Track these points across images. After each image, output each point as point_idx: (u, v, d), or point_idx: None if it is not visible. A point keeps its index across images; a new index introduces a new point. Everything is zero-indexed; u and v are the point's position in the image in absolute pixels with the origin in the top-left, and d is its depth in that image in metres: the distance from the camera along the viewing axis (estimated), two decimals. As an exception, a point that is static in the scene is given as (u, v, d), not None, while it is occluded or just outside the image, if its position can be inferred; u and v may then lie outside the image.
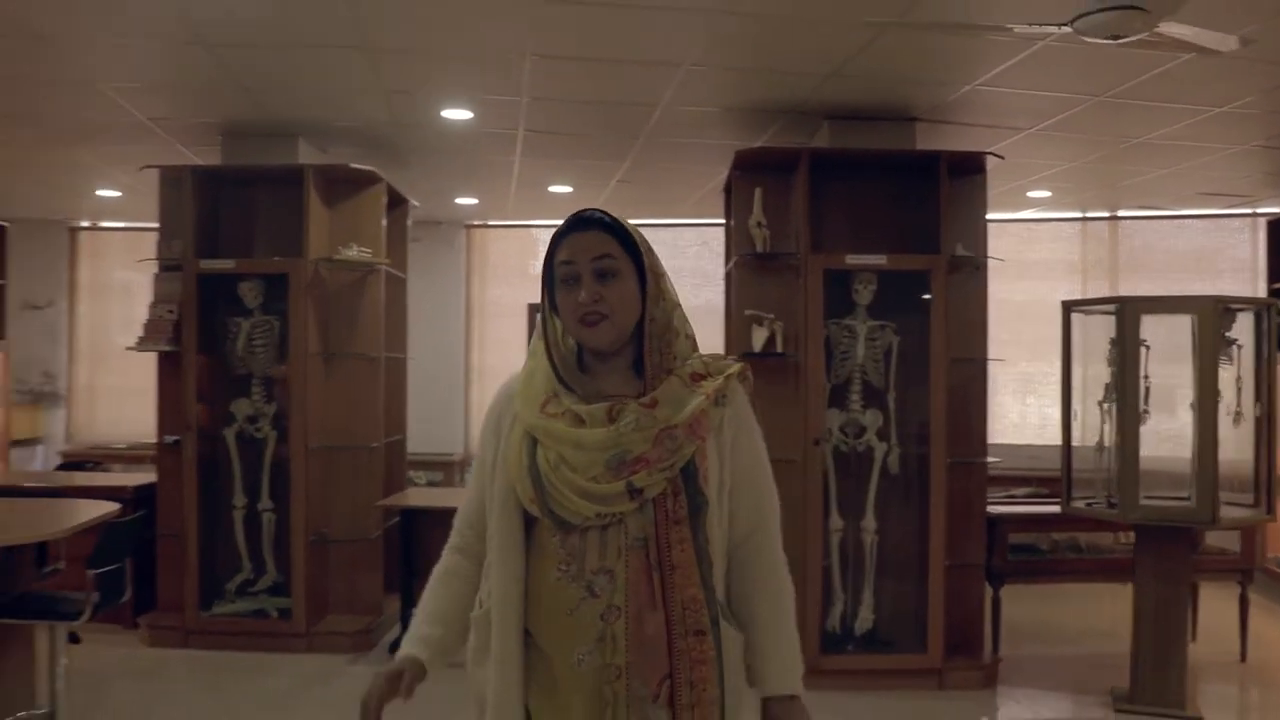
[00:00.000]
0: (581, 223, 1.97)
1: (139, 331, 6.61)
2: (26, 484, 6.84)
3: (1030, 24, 3.82)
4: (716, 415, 1.96)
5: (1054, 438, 6.00)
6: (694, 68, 5.13)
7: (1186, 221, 9.16)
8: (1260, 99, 5.46)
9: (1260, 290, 8.41)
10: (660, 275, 1.99)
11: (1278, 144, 6.44)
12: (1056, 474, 5.62)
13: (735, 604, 2.02)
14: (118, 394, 10.43)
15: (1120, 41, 3.53)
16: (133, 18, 4.58)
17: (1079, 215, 9.40)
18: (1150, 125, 6.14)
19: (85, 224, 10.52)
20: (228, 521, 6.40)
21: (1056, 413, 5.81)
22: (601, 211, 2.00)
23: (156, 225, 6.68)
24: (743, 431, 2.01)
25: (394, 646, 3.72)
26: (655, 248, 2.02)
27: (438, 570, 2.12)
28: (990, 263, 5.99)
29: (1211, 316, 4.79)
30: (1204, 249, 9.15)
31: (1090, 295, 9.10)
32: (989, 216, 6.15)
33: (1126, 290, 9.21)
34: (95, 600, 4.20)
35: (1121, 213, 9.33)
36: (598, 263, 1.93)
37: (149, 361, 6.77)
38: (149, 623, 6.29)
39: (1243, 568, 5.96)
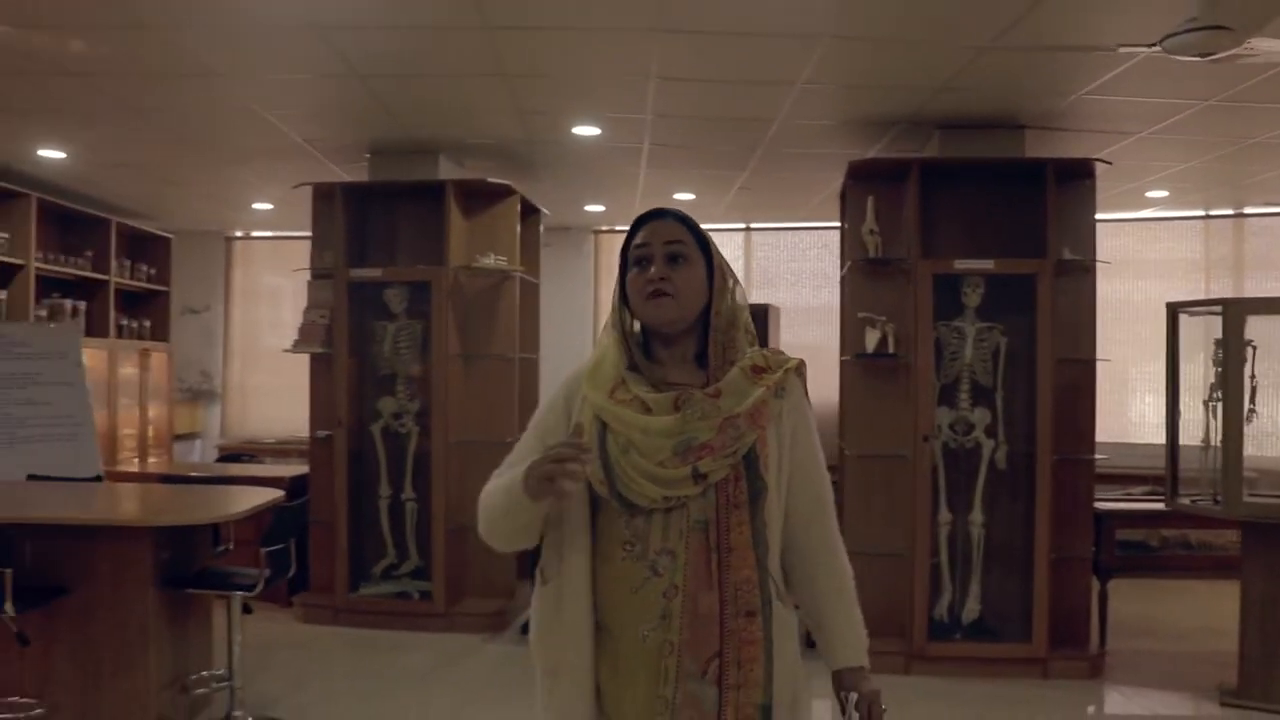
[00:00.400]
0: (659, 213, 2.12)
1: (286, 333, 7.16)
2: (194, 474, 7.50)
3: (1120, 46, 4.03)
4: (776, 406, 2.05)
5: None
6: (808, 86, 5.43)
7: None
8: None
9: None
10: (728, 275, 2.12)
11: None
12: (1171, 472, 5.76)
13: (799, 587, 2.12)
14: (267, 392, 11.14)
15: (1212, 59, 3.73)
16: (292, 54, 5.09)
17: (1202, 213, 9.35)
18: (1268, 126, 6.19)
19: (239, 234, 11.26)
20: (374, 510, 6.93)
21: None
22: (676, 209, 2.15)
23: (302, 234, 7.24)
24: (800, 423, 2.10)
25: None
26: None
27: (489, 488, 2.15)
28: (1108, 263, 6.12)
29: (1310, 317, 4.91)
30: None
31: (1214, 294, 9.07)
32: (1103, 217, 6.29)
33: (1251, 289, 9.16)
34: (267, 575, 4.72)
35: (1247, 210, 9.25)
36: (669, 246, 2.06)
37: (295, 361, 7.34)
38: (302, 601, 6.86)
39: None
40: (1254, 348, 5.16)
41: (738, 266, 10.36)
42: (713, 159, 7.29)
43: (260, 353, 11.20)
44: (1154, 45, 3.80)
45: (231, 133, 6.69)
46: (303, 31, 4.70)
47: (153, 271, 10.05)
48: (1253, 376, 5.19)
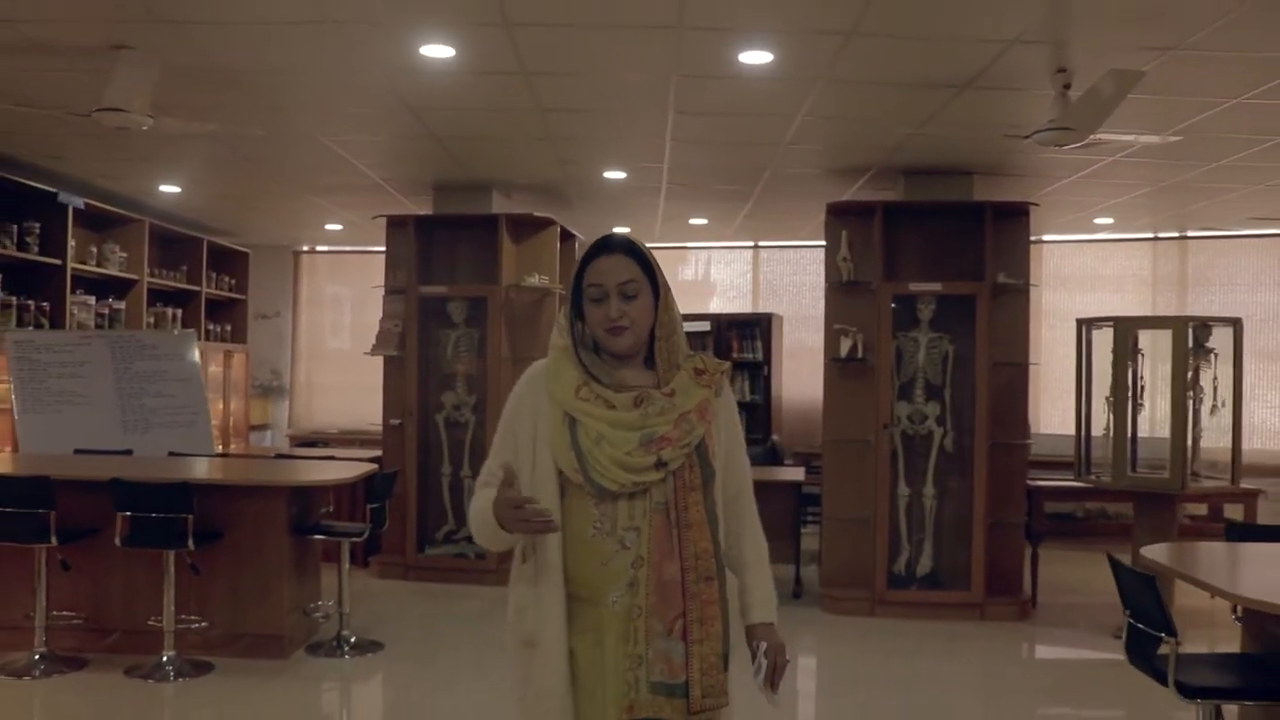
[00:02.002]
0: (607, 248, 2.32)
1: (346, 336, 8.60)
2: (297, 453, 8.98)
3: (1004, 135, 5.43)
4: (715, 404, 2.35)
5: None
6: (791, 146, 6.85)
7: (1247, 240, 10.34)
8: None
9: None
10: (668, 289, 2.35)
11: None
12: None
13: (727, 552, 2.36)
14: (330, 388, 12.61)
15: (1066, 148, 5.11)
16: (381, 121, 6.52)
17: (1150, 235, 10.65)
18: (1178, 172, 7.51)
19: (305, 248, 12.72)
20: (437, 485, 8.36)
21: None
22: (623, 237, 2.35)
23: (358, 249, 8.61)
24: (730, 415, 2.44)
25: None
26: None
27: (477, 498, 2.37)
28: (1065, 279, 7.48)
29: (1182, 331, 6.28)
30: (1263, 265, 10.31)
31: (1161, 307, 10.43)
32: (1060, 238, 7.60)
33: (1193, 301, 10.49)
34: (370, 527, 6.17)
35: (1190, 232, 10.52)
36: (624, 286, 2.28)
37: (355, 361, 8.82)
38: (378, 560, 8.29)
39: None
40: (1142, 355, 6.53)
41: (745, 281, 11.75)
42: (720, 195, 8.72)
43: (324, 353, 12.70)
44: (1027, 137, 5.20)
45: (321, 173, 8.13)
46: (395, 108, 6.15)
47: (233, 282, 11.59)
48: (1141, 378, 6.57)
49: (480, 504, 2.31)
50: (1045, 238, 10.63)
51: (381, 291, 8.55)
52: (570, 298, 2.37)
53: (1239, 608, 3.55)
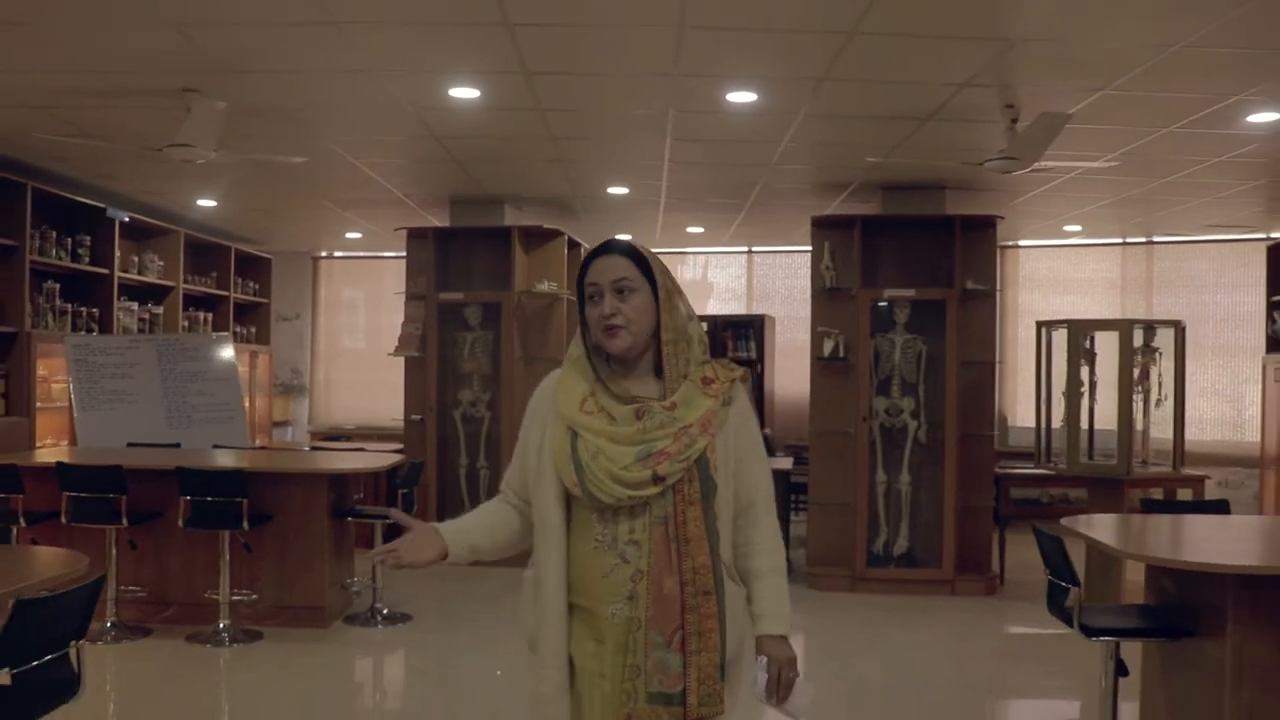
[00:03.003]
0: (604, 250, 2.33)
1: (361, 338, 9.35)
2: (325, 445, 9.71)
3: (962, 162, 6.16)
4: (724, 414, 2.31)
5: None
6: (778, 166, 7.58)
7: (1207, 245, 11.06)
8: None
9: (1262, 303, 10.31)
10: (672, 293, 2.33)
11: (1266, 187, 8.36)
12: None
13: (738, 561, 2.37)
14: (347, 387, 13.34)
15: (1013, 173, 5.85)
16: (407, 145, 7.23)
17: (1119, 241, 11.37)
18: (1130, 187, 8.24)
19: (324, 254, 13.44)
20: (455, 475, 9.10)
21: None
22: (623, 240, 2.36)
23: (373, 255, 9.35)
24: (744, 424, 2.38)
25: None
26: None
27: (486, 503, 2.54)
28: (1039, 281, 8.20)
29: (1128, 332, 7.00)
30: (1222, 268, 11.04)
31: (1128, 308, 11.16)
32: (1033, 244, 8.34)
33: (1158, 302, 11.21)
34: (401, 509, 6.90)
35: (1156, 238, 11.23)
36: (617, 283, 2.28)
37: (371, 361, 9.55)
38: (402, 546, 9.01)
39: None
40: (1094, 354, 7.25)
41: (741, 284, 12.48)
42: (715, 206, 9.46)
43: (341, 354, 13.42)
44: (981, 164, 5.93)
45: (347, 188, 8.84)
46: (422, 136, 6.88)
47: (257, 286, 12.32)
48: (1093, 374, 7.29)
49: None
50: (1021, 243, 11.39)
51: (400, 296, 9.28)
52: (579, 306, 2.39)
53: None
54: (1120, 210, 9.47)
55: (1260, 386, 9.60)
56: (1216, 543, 4.19)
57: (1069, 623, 4.00)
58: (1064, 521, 4.39)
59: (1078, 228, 10.44)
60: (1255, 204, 9.09)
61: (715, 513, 2.28)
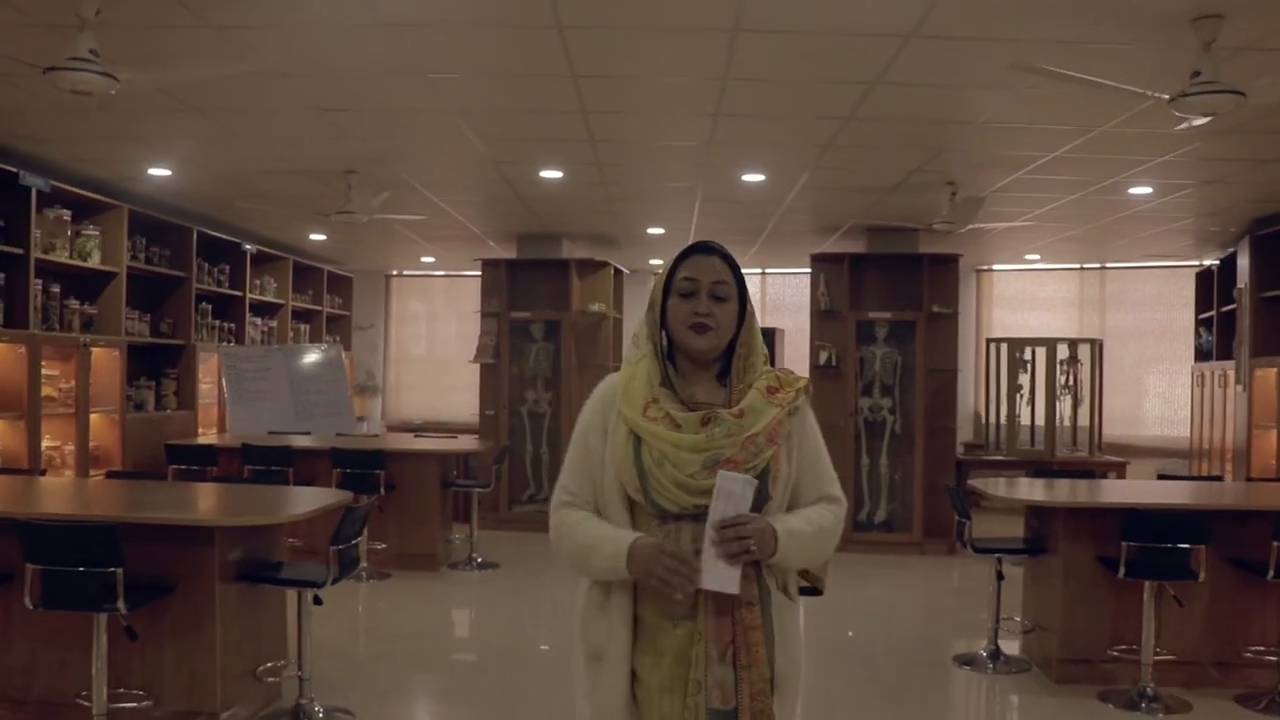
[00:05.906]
0: (705, 249, 2.33)
1: (425, 345, 11.92)
2: (426, 435, 11.83)
3: (932, 224, 8.23)
4: (788, 424, 2.29)
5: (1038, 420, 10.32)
6: (784, 215, 9.65)
7: (1151, 270, 13.05)
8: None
9: (1193, 320, 12.28)
10: (752, 307, 2.35)
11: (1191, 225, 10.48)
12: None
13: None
14: (414, 388, 15.48)
15: (955, 232, 7.90)
16: (484, 189, 9.31)
17: (1077, 266, 13.36)
18: (1073, 229, 10.26)
19: (395, 272, 15.56)
20: (522, 460, 11.20)
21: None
22: (718, 244, 2.35)
23: (440, 274, 12.00)
24: (808, 431, 2.36)
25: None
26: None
27: (570, 520, 2.32)
28: (1009, 300, 10.23)
29: (1052, 349, 9.03)
30: (1163, 290, 13.02)
31: (1086, 326, 13.15)
32: (1002, 268, 10.43)
33: (1112, 319, 13.20)
34: (494, 483, 9.00)
35: (1109, 264, 13.20)
36: (715, 286, 2.28)
37: (436, 366, 11.91)
38: (480, 515, 11.12)
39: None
40: (1026, 363, 9.28)
41: (755, 300, 14.47)
42: (734, 240, 11.53)
43: (409, 359, 15.52)
44: (929, 226, 7.99)
45: (429, 226, 10.94)
46: (507, 196, 8.98)
47: (341, 301, 14.45)
48: (1033, 381, 9.31)
49: (594, 540, 2.26)
50: (995, 267, 13.41)
51: (475, 313, 11.42)
52: (661, 303, 2.33)
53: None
54: (1064, 245, 11.47)
55: (1189, 390, 11.62)
56: (1063, 492, 6.24)
57: (965, 545, 6.07)
58: (970, 481, 6.47)
59: (1036, 256, 12.46)
60: (1184, 240, 11.09)
61: None
